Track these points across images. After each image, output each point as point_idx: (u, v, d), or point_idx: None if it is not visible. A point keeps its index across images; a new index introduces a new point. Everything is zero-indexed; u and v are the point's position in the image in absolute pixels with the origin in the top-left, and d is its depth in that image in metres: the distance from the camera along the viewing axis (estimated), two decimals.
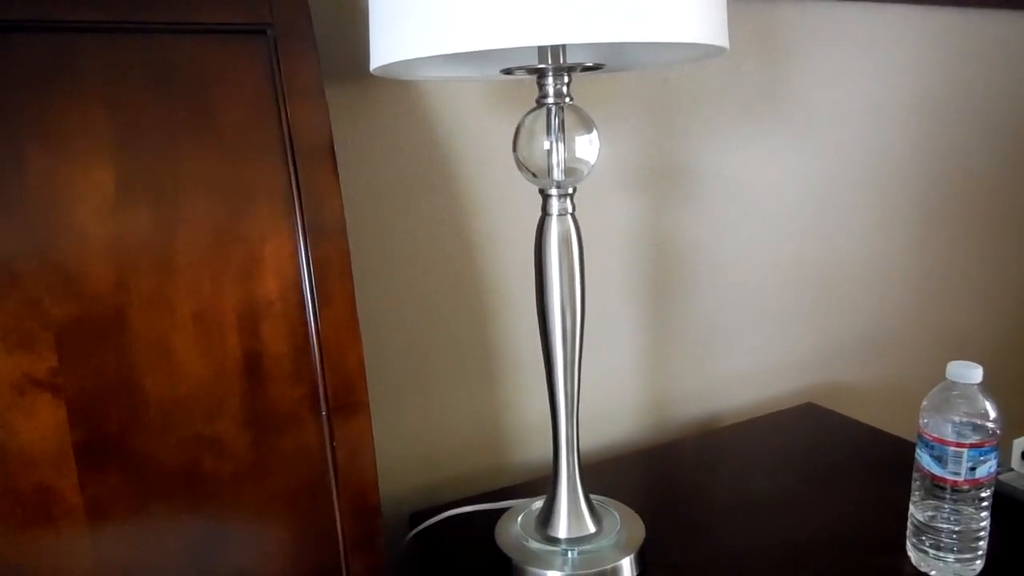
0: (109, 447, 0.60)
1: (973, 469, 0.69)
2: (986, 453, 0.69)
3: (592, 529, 0.79)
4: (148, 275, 0.61)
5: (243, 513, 0.66)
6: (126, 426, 0.61)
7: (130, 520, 0.62)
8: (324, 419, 0.68)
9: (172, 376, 0.62)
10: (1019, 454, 1.56)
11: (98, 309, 0.60)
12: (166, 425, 0.62)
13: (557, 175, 0.70)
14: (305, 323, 0.67)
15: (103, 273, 0.60)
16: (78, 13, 0.60)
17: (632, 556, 0.77)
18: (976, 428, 0.69)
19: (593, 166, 0.71)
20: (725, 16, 0.61)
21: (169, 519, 0.63)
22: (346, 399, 0.68)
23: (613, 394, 1.09)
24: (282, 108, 0.66)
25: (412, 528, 0.88)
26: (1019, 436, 1.57)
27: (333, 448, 0.68)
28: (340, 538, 0.70)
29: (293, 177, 0.66)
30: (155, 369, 0.62)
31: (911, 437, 0.74)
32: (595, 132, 0.70)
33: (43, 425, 0.58)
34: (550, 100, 0.69)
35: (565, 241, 0.72)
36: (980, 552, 0.72)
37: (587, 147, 0.70)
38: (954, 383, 0.70)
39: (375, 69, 0.64)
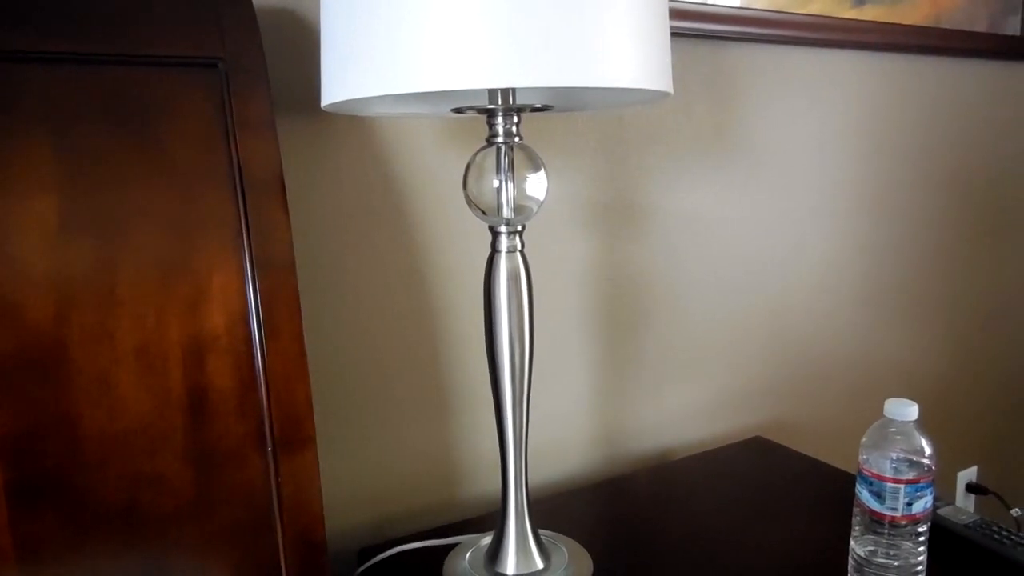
0: (44, 485, 0.59)
1: (910, 505, 0.70)
2: (922, 489, 0.70)
3: (540, 566, 0.79)
4: (90, 308, 0.60)
5: (184, 551, 0.64)
6: (63, 463, 0.59)
7: (65, 561, 0.60)
8: (270, 455, 0.67)
9: (113, 411, 0.61)
10: (963, 487, 1.59)
11: (36, 343, 0.58)
12: (105, 462, 0.61)
13: (506, 213, 0.71)
14: (252, 358, 0.66)
15: (43, 306, 0.59)
16: (23, 42, 0.59)
17: None
18: (912, 464, 0.71)
19: (542, 204, 0.72)
20: (669, 61, 0.63)
21: (107, 559, 0.61)
22: (293, 435, 0.68)
23: (565, 428, 1.10)
24: (232, 141, 0.66)
25: (360, 564, 0.87)
26: (963, 469, 1.60)
27: (278, 484, 0.67)
28: (284, 575, 0.68)
29: (242, 210, 0.66)
30: (95, 404, 0.60)
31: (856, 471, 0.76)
32: (543, 171, 0.72)
33: None
34: (500, 139, 0.70)
35: (514, 278, 0.73)
36: None
37: (536, 186, 0.71)
38: (891, 420, 0.72)
39: (326, 105, 0.65)
